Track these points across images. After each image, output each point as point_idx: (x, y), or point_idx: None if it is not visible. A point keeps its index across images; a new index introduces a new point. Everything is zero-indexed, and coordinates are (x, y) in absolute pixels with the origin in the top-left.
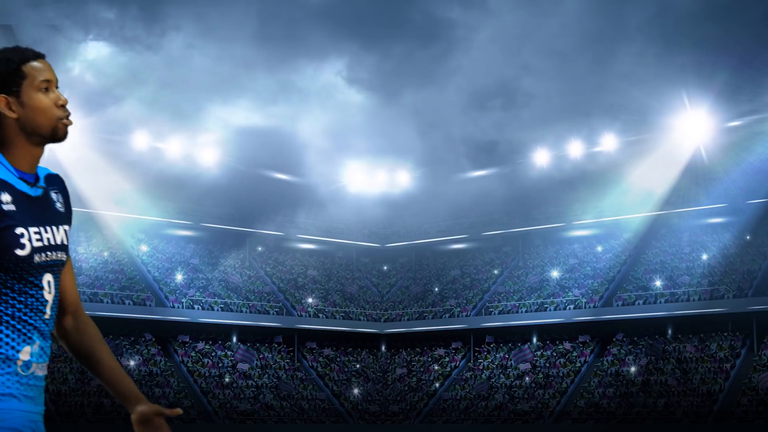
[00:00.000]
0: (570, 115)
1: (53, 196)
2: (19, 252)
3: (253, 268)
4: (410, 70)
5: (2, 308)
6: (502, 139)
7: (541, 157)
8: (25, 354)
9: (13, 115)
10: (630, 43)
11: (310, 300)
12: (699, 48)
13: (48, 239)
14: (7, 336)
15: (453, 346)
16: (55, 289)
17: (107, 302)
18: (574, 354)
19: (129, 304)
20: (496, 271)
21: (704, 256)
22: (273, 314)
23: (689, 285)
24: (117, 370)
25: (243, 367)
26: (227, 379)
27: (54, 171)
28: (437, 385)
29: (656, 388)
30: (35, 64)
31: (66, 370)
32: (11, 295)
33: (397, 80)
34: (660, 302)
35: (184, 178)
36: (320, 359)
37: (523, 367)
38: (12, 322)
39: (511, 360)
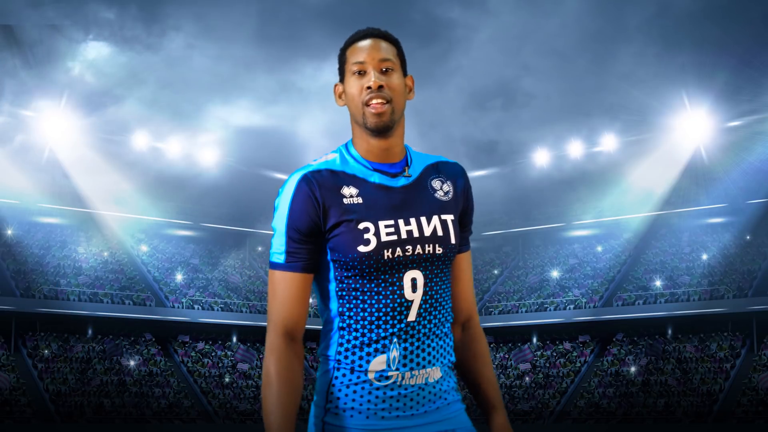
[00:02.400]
0: (570, 115)
1: (434, 183)
2: (362, 248)
3: (253, 268)
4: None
5: (352, 313)
6: (502, 139)
7: (541, 157)
8: (377, 363)
9: (341, 104)
10: (630, 43)
11: (310, 300)
12: (699, 48)
13: (409, 231)
14: (355, 346)
15: None
16: (428, 287)
17: (107, 302)
18: (574, 354)
19: (129, 304)
20: (496, 271)
21: (704, 256)
22: None
23: (689, 285)
24: (493, 395)
25: (243, 367)
26: (227, 379)
27: (447, 159)
28: None
29: (656, 388)
30: (357, 44)
31: (66, 370)
32: (362, 298)
33: None
34: (660, 302)
35: (184, 178)
36: None
37: (523, 367)
38: (363, 330)
39: (511, 360)
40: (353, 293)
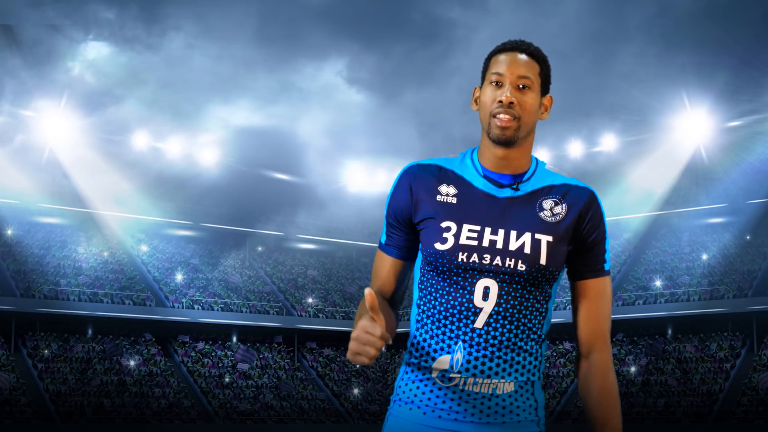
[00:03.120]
0: (570, 115)
1: (544, 203)
2: (438, 246)
3: (253, 268)
4: (410, 70)
5: (427, 306)
6: None
7: (541, 157)
8: (441, 362)
9: (475, 108)
10: (630, 43)
11: (310, 300)
12: (699, 48)
13: (492, 241)
14: (424, 341)
15: None
16: (502, 299)
17: (107, 302)
18: (574, 354)
19: (129, 304)
20: None
21: (704, 256)
22: (273, 314)
23: (689, 285)
24: None
25: (243, 367)
26: (227, 379)
27: (581, 183)
28: None
29: (656, 388)
30: (501, 55)
31: (66, 370)
32: (438, 294)
33: (397, 80)
34: (660, 302)
35: (184, 178)
36: (320, 359)
37: None
38: (434, 325)
39: None
40: (429, 288)
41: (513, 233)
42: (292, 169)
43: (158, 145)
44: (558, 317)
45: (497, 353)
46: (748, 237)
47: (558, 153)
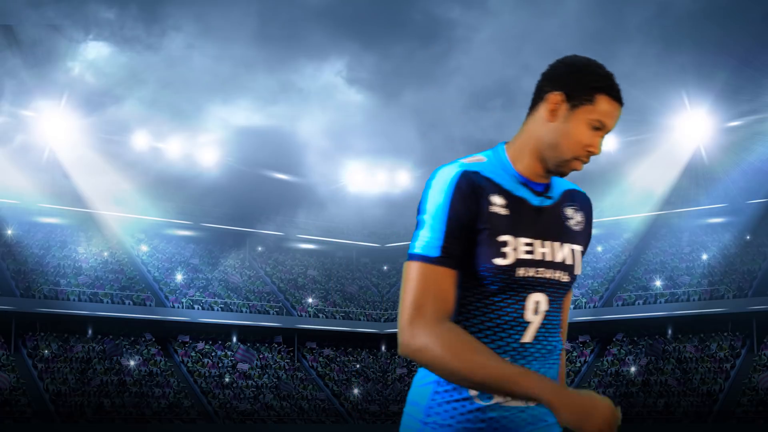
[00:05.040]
0: None
1: (567, 211)
2: (498, 261)
3: (253, 268)
4: (410, 70)
5: (468, 323)
6: (502, 139)
7: None
8: None
9: (551, 122)
10: (630, 43)
11: (310, 300)
12: (699, 48)
13: (543, 254)
14: None
15: None
16: (547, 312)
17: (107, 302)
18: (574, 354)
19: (129, 304)
20: None
21: (704, 256)
22: (273, 314)
23: (689, 285)
24: None
25: (243, 367)
26: (227, 379)
27: (579, 188)
28: None
29: (656, 388)
30: (611, 101)
31: (66, 370)
32: (483, 311)
33: (397, 80)
34: (660, 302)
35: (184, 178)
36: (320, 359)
37: None
38: (480, 340)
39: None
40: (474, 303)
41: (556, 245)
42: (292, 169)
43: (158, 145)
44: None
45: (537, 366)
46: (748, 237)
47: None
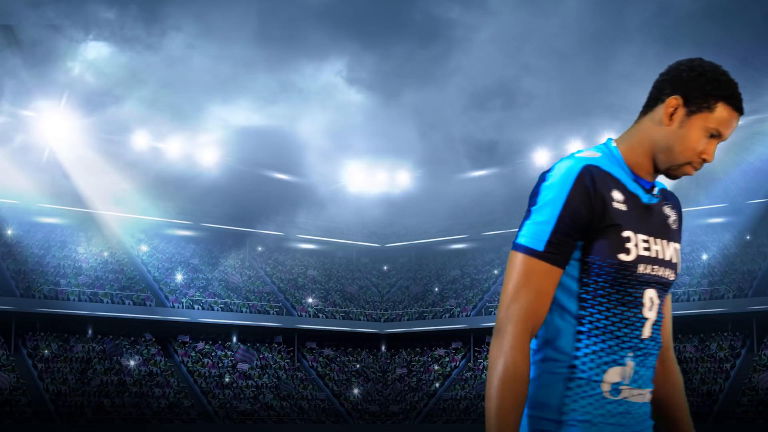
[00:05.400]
0: (570, 115)
1: (666, 210)
2: (623, 257)
3: (253, 268)
4: (410, 70)
5: (593, 318)
6: (502, 139)
7: (541, 157)
8: (612, 375)
9: (667, 125)
10: (630, 43)
11: (310, 300)
12: (699, 48)
13: (656, 251)
14: (594, 353)
15: (453, 346)
16: (659, 308)
17: (107, 302)
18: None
19: (129, 304)
20: (496, 271)
21: (704, 256)
22: (273, 314)
23: (689, 285)
24: (690, 425)
25: (243, 367)
26: (227, 379)
27: (668, 188)
28: (437, 385)
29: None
30: (732, 110)
31: (66, 370)
32: (606, 306)
33: (397, 80)
34: None
35: (184, 178)
36: (320, 359)
37: None
38: (602, 337)
39: None
40: (598, 299)
41: (664, 243)
42: (292, 169)
43: (158, 145)
44: None
45: (652, 363)
46: (748, 237)
47: (558, 153)
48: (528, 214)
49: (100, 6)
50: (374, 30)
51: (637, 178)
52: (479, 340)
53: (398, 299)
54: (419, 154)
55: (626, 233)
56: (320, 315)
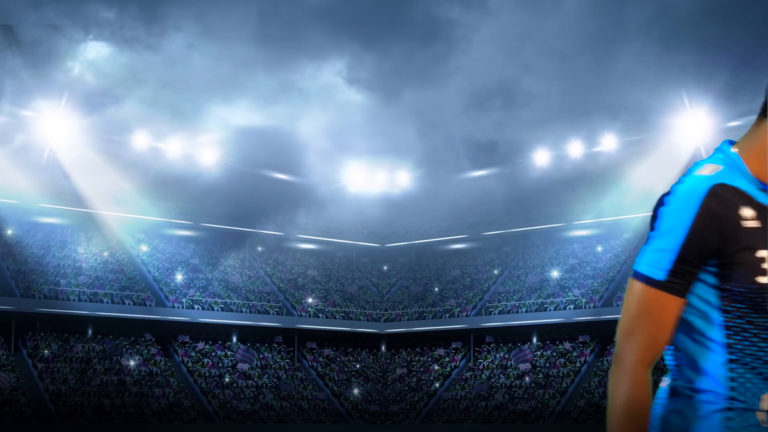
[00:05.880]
0: (570, 115)
1: None
2: (761, 279)
3: (253, 268)
4: (410, 70)
5: (742, 345)
6: (502, 139)
7: (541, 157)
8: (766, 402)
9: None
10: (630, 43)
11: (310, 300)
12: (699, 48)
13: None
14: (748, 380)
15: (453, 346)
16: None
17: (107, 302)
18: (574, 354)
19: (129, 304)
20: (496, 271)
21: None
22: (273, 314)
23: None
24: None
25: (243, 367)
26: (227, 379)
27: None
28: (437, 385)
29: (656, 388)
30: None
31: (66, 370)
32: (752, 331)
33: (397, 80)
34: None
35: (184, 178)
36: (320, 359)
37: (523, 367)
38: (753, 364)
39: (511, 360)
40: (745, 326)
41: None
42: (292, 169)
43: (158, 145)
44: (558, 317)
45: None
46: None
47: (558, 153)
48: (648, 241)
49: (100, 6)
50: (374, 30)
51: (764, 187)
52: (479, 340)
53: (398, 299)
54: (419, 154)
55: (761, 253)
56: (320, 315)
